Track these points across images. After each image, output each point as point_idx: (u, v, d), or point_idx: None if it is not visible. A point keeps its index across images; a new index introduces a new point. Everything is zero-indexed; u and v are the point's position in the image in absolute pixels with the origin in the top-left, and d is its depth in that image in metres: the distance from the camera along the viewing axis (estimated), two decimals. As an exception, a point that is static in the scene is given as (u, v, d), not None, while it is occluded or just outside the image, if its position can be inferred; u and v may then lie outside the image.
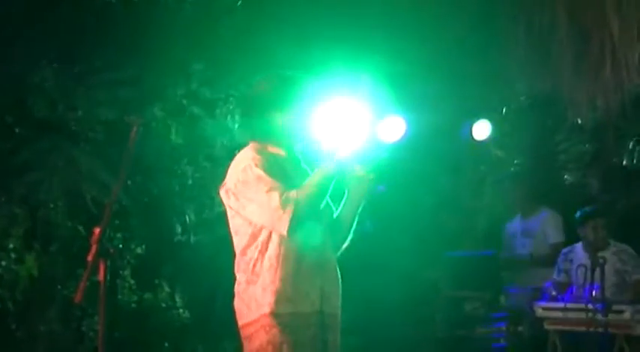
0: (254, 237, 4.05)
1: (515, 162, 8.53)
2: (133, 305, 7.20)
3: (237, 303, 4.11)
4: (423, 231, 7.86)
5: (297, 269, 4.02)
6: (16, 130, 6.76)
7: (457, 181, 8.21)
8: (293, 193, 3.97)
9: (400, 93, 7.37)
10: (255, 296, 4.01)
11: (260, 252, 4.03)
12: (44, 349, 6.68)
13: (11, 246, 6.78)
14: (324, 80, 6.65)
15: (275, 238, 4.02)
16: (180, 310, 7.33)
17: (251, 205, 4.01)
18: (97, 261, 3.70)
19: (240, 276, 4.10)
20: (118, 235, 6.98)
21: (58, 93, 6.77)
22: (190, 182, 7.40)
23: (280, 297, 3.98)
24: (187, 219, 7.41)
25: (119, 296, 7.12)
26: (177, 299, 7.37)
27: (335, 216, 4.27)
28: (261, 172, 4.01)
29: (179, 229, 7.41)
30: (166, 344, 7.23)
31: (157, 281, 7.33)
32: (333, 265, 4.19)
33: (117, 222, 6.88)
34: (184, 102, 7.35)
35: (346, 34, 6.75)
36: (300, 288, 4.02)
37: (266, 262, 4.01)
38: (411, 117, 7.64)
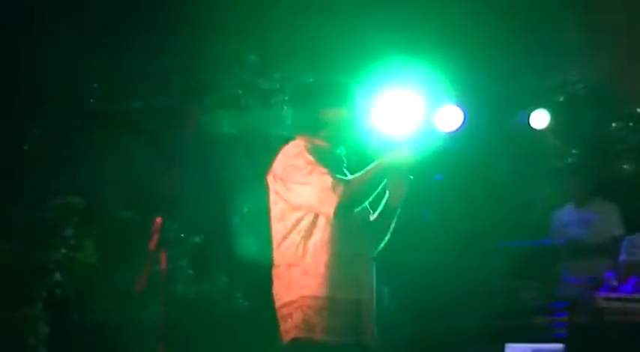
0: (298, 221, 4.16)
1: (573, 151, 8.42)
2: (192, 294, 7.24)
3: (276, 285, 4.25)
4: (479, 220, 7.81)
5: (338, 256, 4.14)
6: (72, 121, 6.83)
7: (514, 170, 8.13)
8: (345, 179, 4.10)
9: (457, 83, 7.33)
10: (295, 279, 4.15)
11: (303, 237, 4.15)
12: (102, 338, 6.74)
13: (69, 233, 6.86)
14: (380, 73, 6.70)
15: (320, 224, 4.13)
16: (239, 300, 7.36)
17: (300, 188, 4.11)
18: (158, 250, 3.73)
19: (280, 259, 4.23)
20: (175, 226, 7.01)
21: (112, 84, 6.82)
22: (247, 172, 7.42)
23: (320, 281, 4.11)
24: (244, 209, 7.43)
25: (177, 287, 7.16)
26: (235, 288, 7.40)
27: (374, 217, 4.35)
28: (312, 159, 4.12)
29: (236, 219, 7.43)
30: (224, 334, 7.25)
31: (214, 271, 7.37)
32: (368, 260, 4.30)
33: (174, 212, 6.92)
34: (239, 92, 7.38)
35: (402, 23, 6.73)
36: (338, 275, 4.13)
37: (310, 246, 4.13)
38: (469, 107, 7.60)
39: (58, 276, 6.80)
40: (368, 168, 4.17)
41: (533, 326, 7.32)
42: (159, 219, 3.80)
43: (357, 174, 4.16)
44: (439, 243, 7.46)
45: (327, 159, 4.16)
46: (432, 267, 7.43)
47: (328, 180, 4.04)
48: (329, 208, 4.05)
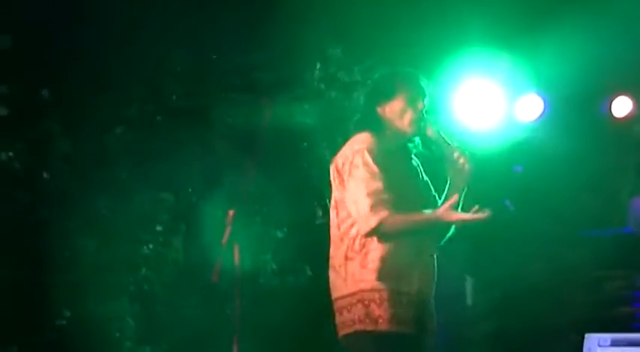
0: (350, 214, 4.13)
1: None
2: (276, 288, 7.26)
3: (332, 276, 4.27)
4: (562, 210, 7.67)
5: (397, 250, 4.09)
6: (157, 118, 6.91)
7: (598, 160, 7.96)
8: (390, 209, 4.03)
9: (537, 72, 7.21)
10: (353, 271, 4.12)
11: (359, 230, 4.10)
12: (189, 332, 6.81)
13: (159, 228, 6.94)
14: (460, 63, 6.61)
15: None
16: (323, 293, 7.34)
17: (349, 193, 4.10)
18: (231, 243, 3.76)
19: (336, 251, 4.21)
20: (257, 219, 7.04)
21: (195, 80, 6.88)
22: (329, 165, 7.40)
23: (380, 275, 4.06)
24: (327, 202, 7.41)
25: (261, 280, 7.19)
26: (319, 282, 7.38)
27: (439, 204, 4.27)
28: (368, 165, 4.07)
29: (319, 212, 7.42)
30: (308, 328, 7.26)
31: (298, 265, 7.37)
32: (430, 252, 4.23)
33: (256, 206, 6.95)
34: (322, 86, 7.36)
35: (482, 12, 6.63)
36: (398, 268, 4.09)
37: (366, 240, 4.09)
38: (549, 96, 7.48)
39: (145, 271, 6.90)
40: (422, 214, 4.12)
41: (617, 316, 7.19)
42: (231, 212, 3.82)
43: (408, 215, 4.10)
44: (521, 235, 7.36)
45: (386, 164, 4.11)
46: (515, 259, 7.34)
47: (377, 198, 4.02)
48: (364, 225, 4.04)
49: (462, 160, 4.19)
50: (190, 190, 7.07)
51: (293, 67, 7.23)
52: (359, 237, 4.10)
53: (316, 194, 7.41)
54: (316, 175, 7.40)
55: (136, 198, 6.90)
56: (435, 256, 4.25)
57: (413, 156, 4.34)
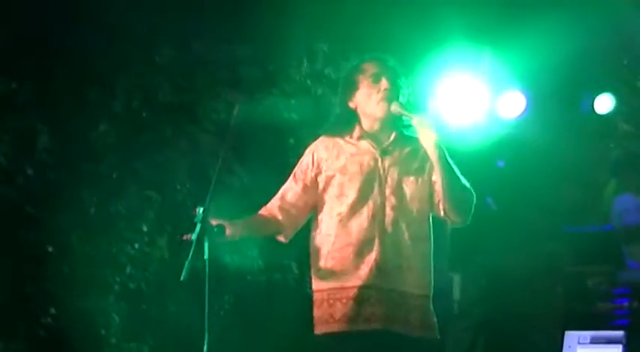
0: None
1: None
2: (263, 284, 7.24)
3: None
4: (544, 206, 7.69)
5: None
6: (143, 114, 6.88)
7: (580, 156, 7.98)
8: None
9: (519, 68, 7.22)
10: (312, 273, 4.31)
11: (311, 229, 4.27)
12: (175, 329, 6.78)
13: (145, 228, 6.92)
14: (443, 60, 6.59)
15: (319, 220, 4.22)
16: (309, 290, 7.32)
17: None
18: (201, 240, 3.72)
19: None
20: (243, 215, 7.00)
21: (181, 76, 6.85)
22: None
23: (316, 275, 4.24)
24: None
25: (248, 277, 7.17)
26: (307, 279, 7.37)
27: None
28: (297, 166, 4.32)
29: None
30: (294, 325, 7.24)
31: (285, 262, 7.35)
32: (398, 239, 4.11)
33: (242, 202, 6.91)
34: (308, 82, 7.34)
35: (465, 8, 6.63)
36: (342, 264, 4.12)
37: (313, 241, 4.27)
38: (531, 93, 7.50)
39: (130, 269, 6.88)
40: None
41: (596, 311, 7.21)
42: (200, 209, 3.79)
43: None
44: (503, 230, 7.37)
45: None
46: (497, 254, 7.35)
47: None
48: None
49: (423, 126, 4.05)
50: (178, 187, 7.03)
51: (279, 62, 7.21)
52: (310, 237, 4.34)
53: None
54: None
55: (122, 195, 6.88)
56: (404, 245, 4.11)
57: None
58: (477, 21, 6.74)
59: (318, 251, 4.20)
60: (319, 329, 4.20)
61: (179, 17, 6.70)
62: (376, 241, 4.07)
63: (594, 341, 5.64)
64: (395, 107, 4.11)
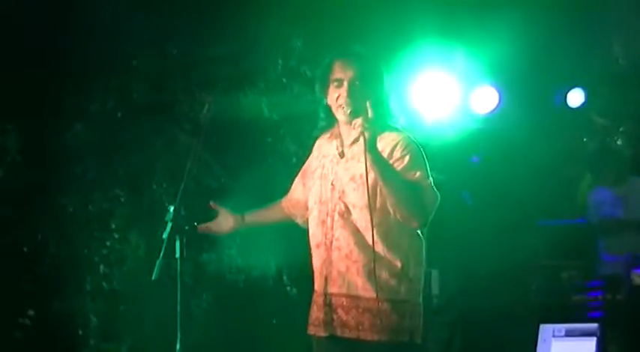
0: None
1: (621, 129, 8.28)
2: (241, 283, 7.24)
3: None
4: (519, 200, 7.73)
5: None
6: (118, 114, 6.86)
7: (553, 150, 8.03)
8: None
9: (492, 63, 7.26)
10: None
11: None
12: (152, 326, 6.78)
13: (113, 226, 6.91)
14: (415, 55, 6.61)
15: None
16: (287, 287, 7.34)
17: None
18: (172, 239, 3.73)
19: None
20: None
21: (156, 75, 6.84)
22: (294, 160, 7.38)
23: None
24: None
25: (227, 275, 7.17)
26: (285, 277, 7.38)
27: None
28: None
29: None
30: (274, 321, 7.26)
31: (263, 261, 7.36)
32: (345, 245, 4.04)
33: (219, 201, 6.91)
34: (284, 80, 7.33)
35: (437, 4, 6.66)
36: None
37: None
38: (504, 88, 7.55)
39: (104, 269, 6.87)
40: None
41: (571, 304, 7.25)
42: (171, 208, 3.80)
43: None
44: (478, 224, 7.40)
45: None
46: (472, 248, 7.38)
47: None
48: None
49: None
50: (154, 187, 7.03)
51: (255, 60, 7.20)
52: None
53: (281, 189, 7.39)
54: (280, 171, 7.39)
55: (96, 196, 6.87)
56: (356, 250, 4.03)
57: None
58: (450, 17, 6.77)
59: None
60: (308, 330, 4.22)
61: (154, 16, 6.68)
62: (322, 247, 4.09)
63: (569, 333, 5.67)
64: (347, 117, 4.04)
